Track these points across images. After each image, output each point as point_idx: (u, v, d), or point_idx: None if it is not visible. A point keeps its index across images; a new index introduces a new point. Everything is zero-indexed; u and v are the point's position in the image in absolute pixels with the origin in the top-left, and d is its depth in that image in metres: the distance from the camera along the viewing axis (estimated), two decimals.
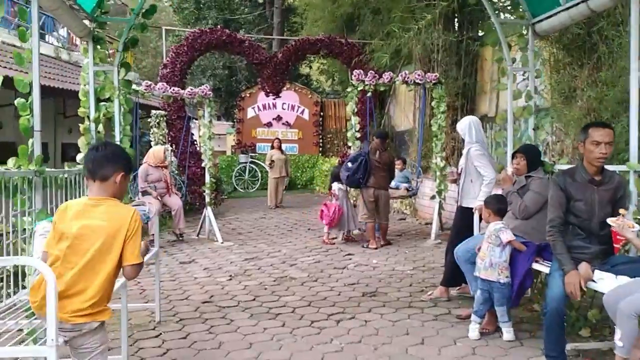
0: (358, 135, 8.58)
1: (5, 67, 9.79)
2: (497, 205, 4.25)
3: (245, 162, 17.26)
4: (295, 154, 17.81)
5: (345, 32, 13.51)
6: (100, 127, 4.56)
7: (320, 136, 18.05)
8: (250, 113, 17.95)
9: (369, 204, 7.65)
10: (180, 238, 8.51)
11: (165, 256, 7.55)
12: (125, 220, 2.53)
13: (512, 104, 5.63)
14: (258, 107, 17.92)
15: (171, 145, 11.91)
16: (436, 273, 6.17)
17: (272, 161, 12.84)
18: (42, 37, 13.89)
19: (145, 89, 8.15)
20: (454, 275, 5.12)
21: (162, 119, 11.70)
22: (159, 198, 8.21)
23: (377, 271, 6.38)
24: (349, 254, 7.36)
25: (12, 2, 11.74)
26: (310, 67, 22.92)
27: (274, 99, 12.83)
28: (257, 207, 13.34)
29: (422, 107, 8.75)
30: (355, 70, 8.46)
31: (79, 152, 4.62)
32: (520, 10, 5.11)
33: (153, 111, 11.81)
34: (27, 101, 3.22)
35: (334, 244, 8.07)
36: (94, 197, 2.58)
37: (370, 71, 8.40)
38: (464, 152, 5.37)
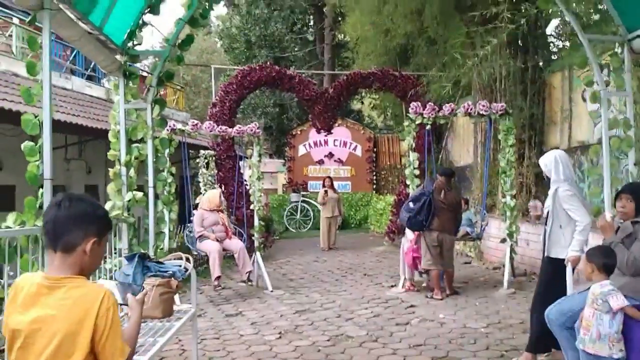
0: (417, 172, 7.88)
1: (58, 111, 9.64)
2: (604, 260, 3.44)
3: (297, 201, 16.76)
4: (348, 192, 17.19)
5: (399, 64, 12.95)
6: (132, 172, 4.07)
7: (374, 173, 17.41)
8: (301, 150, 17.51)
9: (433, 249, 6.88)
10: (250, 283, 7.91)
11: (211, 307, 6.99)
12: (91, 310, 1.82)
13: (597, 133, 4.81)
14: (309, 144, 17.47)
15: (220, 186, 11.51)
16: (515, 332, 5.33)
17: (326, 191, 12.19)
18: (92, 79, 13.96)
19: (191, 129, 7.75)
20: (542, 339, 4.32)
21: (211, 159, 11.33)
22: (219, 240, 7.71)
23: (446, 328, 5.58)
24: (411, 306, 6.59)
25: (63, 45, 11.80)
26: (362, 103, 22.44)
27: (326, 135, 12.32)
28: (309, 248, 12.70)
29: (488, 140, 7.98)
30: (413, 103, 7.82)
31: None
32: (613, 25, 4.35)
33: (202, 151, 11.47)
34: (36, 144, 2.73)
35: (418, 290, 7.32)
36: (52, 274, 1.88)
37: (429, 103, 7.74)
38: (550, 192, 4.58)
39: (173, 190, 7.67)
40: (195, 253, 8.04)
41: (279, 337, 5.48)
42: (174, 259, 4.04)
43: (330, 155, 17.39)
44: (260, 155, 8.34)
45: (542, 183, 9.53)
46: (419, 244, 7.25)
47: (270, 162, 25.01)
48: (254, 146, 8.32)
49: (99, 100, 12.97)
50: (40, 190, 2.78)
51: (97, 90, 13.34)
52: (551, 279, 4.43)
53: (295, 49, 20.10)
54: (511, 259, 7.48)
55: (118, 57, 3.96)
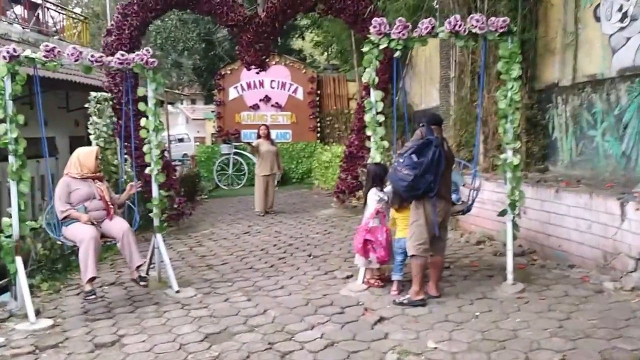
0: (381, 118, 5.58)
1: None
2: None
3: (229, 154, 14.36)
4: (288, 142, 14.89)
5: None
6: None
7: (318, 119, 15.10)
8: (232, 94, 14.98)
9: (432, 227, 4.66)
10: (142, 283, 5.40)
11: (81, 326, 4.60)
12: None
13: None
14: (241, 86, 14.94)
15: (122, 141, 8.88)
16: None
17: (252, 146, 9.97)
18: None
19: (45, 56, 5.09)
20: None
21: (105, 104, 8.63)
22: (94, 223, 5.24)
23: None
24: (380, 319, 4.39)
25: None
26: (303, 38, 19.71)
27: (258, 71, 9.83)
28: (243, 211, 10.44)
29: (483, 70, 5.66)
30: (376, 19, 5.43)
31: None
32: None
33: (93, 93, 8.73)
34: None
35: (383, 285, 5.14)
36: None
37: (400, 19, 5.36)
38: None
39: (21, 151, 5.07)
40: (61, 243, 5.56)
41: None
42: None
43: (267, 99, 14.96)
44: (155, 96, 5.82)
45: (535, 130, 7.49)
46: (374, 224, 5.05)
47: (201, 108, 22.22)
48: (148, 83, 5.77)
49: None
50: None
51: None
52: None
53: None
54: (514, 238, 5.35)
55: None
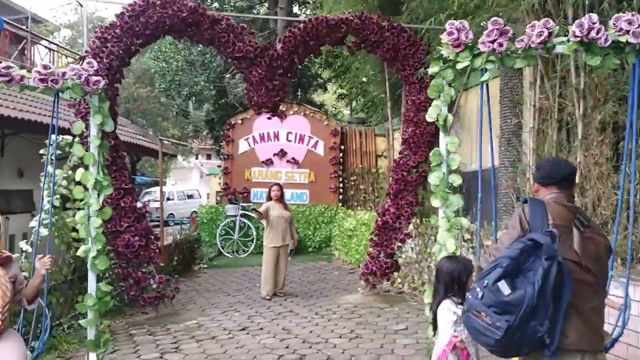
0: (458, 180, 3.45)
1: None
2: None
3: (235, 216, 12.23)
4: (305, 204, 12.76)
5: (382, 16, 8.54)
6: None
7: (341, 179, 12.99)
8: (242, 147, 13.04)
9: None
10: None
11: None
12: None
13: None
14: (254, 137, 13.01)
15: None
16: None
17: (259, 212, 7.85)
18: None
19: None
20: None
21: (69, 149, 6.60)
22: None
23: None
24: None
25: None
26: (326, 89, 17.88)
27: (269, 117, 7.84)
28: (244, 292, 8.27)
29: (633, 102, 3.36)
30: (452, 22, 3.39)
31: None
32: None
33: (53, 137, 6.75)
34: None
35: None
36: None
37: (495, 19, 3.31)
38: None
39: None
40: None
41: None
42: None
43: (282, 153, 12.97)
44: (102, 135, 3.75)
45: None
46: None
47: (208, 163, 20.36)
48: (92, 115, 3.73)
49: None
50: None
51: None
52: None
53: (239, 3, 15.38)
54: None
55: None
